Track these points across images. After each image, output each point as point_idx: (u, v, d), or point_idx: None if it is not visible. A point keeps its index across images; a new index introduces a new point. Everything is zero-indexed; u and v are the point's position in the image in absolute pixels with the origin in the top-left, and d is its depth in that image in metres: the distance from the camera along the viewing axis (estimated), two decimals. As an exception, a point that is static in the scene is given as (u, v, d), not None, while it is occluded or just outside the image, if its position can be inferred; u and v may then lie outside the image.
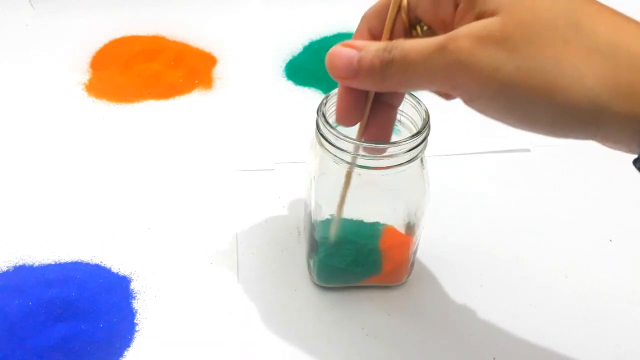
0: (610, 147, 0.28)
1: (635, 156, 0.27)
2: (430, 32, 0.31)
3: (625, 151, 0.28)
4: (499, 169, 0.51)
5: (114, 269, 0.42)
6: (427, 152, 0.36)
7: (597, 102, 0.26)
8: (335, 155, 0.35)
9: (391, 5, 0.31)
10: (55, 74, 0.59)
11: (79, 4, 0.68)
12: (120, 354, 0.37)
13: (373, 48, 0.29)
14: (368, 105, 0.33)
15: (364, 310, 0.40)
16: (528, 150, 0.52)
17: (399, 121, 0.37)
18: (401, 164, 0.35)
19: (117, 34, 0.64)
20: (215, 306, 0.40)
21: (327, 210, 0.38)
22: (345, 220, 0.39)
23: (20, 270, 0.42)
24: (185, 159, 0.51)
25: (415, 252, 0.41)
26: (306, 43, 0.63)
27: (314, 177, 0.37)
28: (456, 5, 0.29)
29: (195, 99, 0.57)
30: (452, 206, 0.47)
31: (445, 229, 0.45)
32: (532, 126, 0.28)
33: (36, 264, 0.42)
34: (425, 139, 0.35)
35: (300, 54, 0.62)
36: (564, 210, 0.47)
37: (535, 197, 0.48)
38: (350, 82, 0.31)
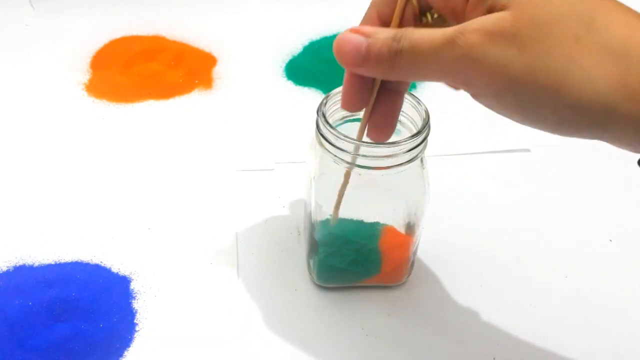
0: (617, 147, 0.28)
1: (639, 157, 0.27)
2: (441, 20, 0.31)
3: (632, 151, 0.27)
4: (499, 169, 0.51)
5: (114, 269, 0.42)
6: (427, 152, 0.36)
7: (606, 104, 0.25)
8: (335, 155, 0.35)
9: None
10: (55, 74, 0.59)
11: (79, 4, 0.67)
12: (120, 354, 0.37)
13: (382, 36, 0.29)
14: (374, 91, 0.33)
15: (364, 310, 0.40)
16: (528, 150, 0.52)
17: (399, 121, 0.37)
18: (401, 164, 0.35)
19: (117, 34, 0.64)
20: (215, 306, 0.40)
21: (327, 210, 0.38)
22: (345, 220, 0.39)
23: (20, 270, 0.42)
24: (185, 159, 0.51)
25: (415, 252, 0.41)
26: (306, 43, 0.63)
27: (314, 177, 0.37)
28: None
29: (195, 99, 0.57)
30: (452, 206, 0.47)
31: (445, 229, 0.45)
32: (539, 124, 0.28)
33: (36, 264, 0.42)
34: (425, 139, 0.35)
35: (300, 54, 0.62)
36: (564, 210, 0.47)
37: (535, 197, 0.48)
38: (357, 69, 0.30)
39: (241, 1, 0.69)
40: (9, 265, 0.42)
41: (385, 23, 0.32)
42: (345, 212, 0.38)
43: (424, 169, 0.37)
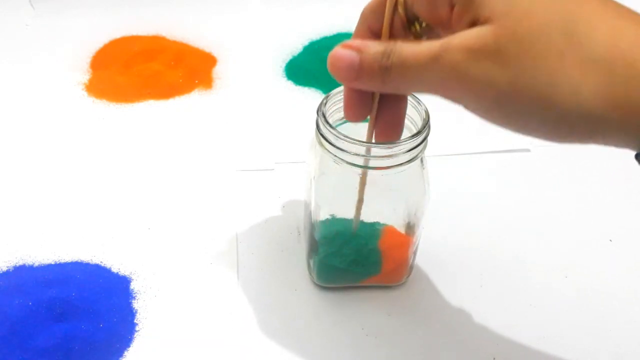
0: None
1: (636, 152, 0.27)
2: (428, 28, 0.31)
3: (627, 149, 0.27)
4: (499, 169, 0.51)
5: (114, 269, 0.42)
6: (427, 152, 0.36)
7: (593, 114, 0.25)
8: (335, 155, 0.35)
9: (387, 3, 0.31)
10: (55, 74, 0.59)
11: (79, 4, 0.67)
12: (120, 354, 0.37)
13: (372, 50, 0.29)
14: (375, 100, 0.33)
15: (364, 310, 0.40)
16: (528, 150, 0.52)
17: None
18: (401, 164, 0.35)
19: (117, 34, 0.64)
20: (215, 306, 0.40)
21: (327, 210, 0.38)
22: (345, 220, 0.39)
23: (20, 270, 0.42)
24: (185, 159, 0.51)
25: (415, 252, 0.41)
26: (306, 43, 0.63)
27: (314, 177, 0.37)
28: (452, 6, 0.28)
29: (195, 99, 0.57)
30: (452, 206, 0.47)
31: (445, 229, 0.45)
32: (531, 134, 0.28)
33: (36, 264, 0.42)
34: (425, 139, 0.35)
35: (300, 54, 0.62)
36: (564, 210, 0.47)
37: (535, 197, 0.48)
38: (352, 84, 0.31)
39: (241, 1, 0.69)
40: (9, 265, 0.42)
41: (376, 35, 0.32)
42: (346, 212, 0.38)
43: (424, 169, 0.37)
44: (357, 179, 0.36)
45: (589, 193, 0.49)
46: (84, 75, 0.59)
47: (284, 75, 0.59)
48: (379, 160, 0.34)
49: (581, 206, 0.48)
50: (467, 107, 0.28)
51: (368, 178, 0.36)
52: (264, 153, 0.51)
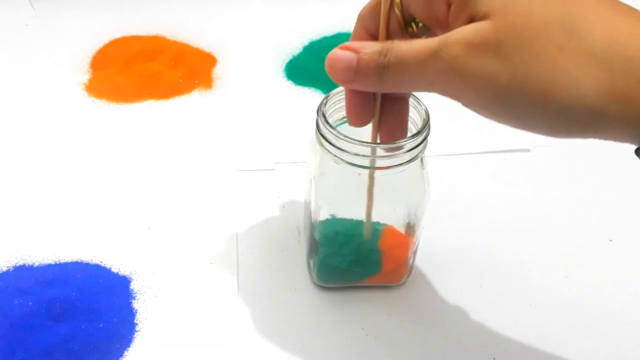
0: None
1: (636, 146, 0.27)
2: (426, 29, 0.31)
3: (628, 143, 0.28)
4: (499, 169, 0.51)
5: (114, 269, 0.42)
6: (427, 152, 0.36)
7: (594, 108, 0.26)
8: (336, 155, 0.35)
9: (382, 4, 0.31)
10: (55, 74, 0.59)
11: (79, 4, 0.67)
12: (120, 354, 0.37)
13: (369, 50, 0.29)
14: (377, 103, 0.33)
15: (364, 310, 0.40)
16: (528, 150, 0.52)
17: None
18: (401, 164, 0.35)
19: (117, 34, 0.64)
20: (215, 306, 0.40)
21: (327, 210, 0.38)
22: (345, 220, 0.39)
23: (20, 270, 0.42)
24: (185, 159, 0.51)
25: (415, 252, 0.41)
26: (306, 43, 0.63)
27: (314, 177, 0.37)
28: (449, 5, 0.28)
29: (195, 99, 0.57)
30: (452, 206, 0.47)
31: (445, 229, 0.45)
32: (531, 129, 0.28)
33: (36, 264, 0.42)
34: (425, 139, 0.35)
35: (300, 54, 0.62)
36: (564, 210, 0.47)
37: (535, 197, 0.48)
38: (350, 85, 0.31)
39: (241, 1, 0.69)
40: (9, 265, 0.42)
41: (373, 36, 0.32)
42: (346, 212, 0.38)
43: (424, 169, 0.37)
44: (357, 179, 0.36)
45: (589, 193, 0.49)
46: (84, 76, 0.59)
47: (284, 75, 0.59)
48: (379, 160, 0.34)
49: (581, 206, 0.48)
50: (467, 103, 0.28)
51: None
52: (264, 153, 0.51)
